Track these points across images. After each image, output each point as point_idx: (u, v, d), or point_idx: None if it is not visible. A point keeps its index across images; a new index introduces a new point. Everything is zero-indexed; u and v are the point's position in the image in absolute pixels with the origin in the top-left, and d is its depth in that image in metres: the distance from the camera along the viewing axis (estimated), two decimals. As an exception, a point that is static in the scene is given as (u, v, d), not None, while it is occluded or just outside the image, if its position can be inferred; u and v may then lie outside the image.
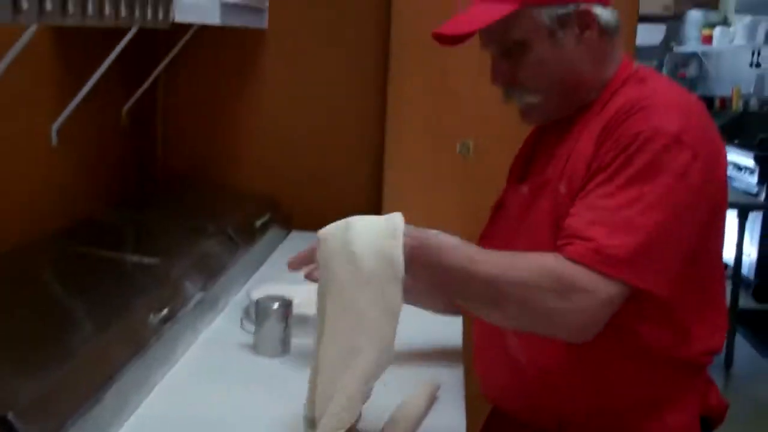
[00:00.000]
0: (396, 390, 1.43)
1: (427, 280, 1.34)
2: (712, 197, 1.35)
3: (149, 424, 1.39)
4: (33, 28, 1.65)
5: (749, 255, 5.81)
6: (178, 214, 2.33)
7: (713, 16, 8.33)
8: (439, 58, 2.62)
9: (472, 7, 1.44)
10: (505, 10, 1.36)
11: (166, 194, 2.70)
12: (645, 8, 8.83)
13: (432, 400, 1.50)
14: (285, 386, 1.52)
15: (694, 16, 8.50)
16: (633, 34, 2.81)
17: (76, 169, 2.32)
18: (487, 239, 1.57)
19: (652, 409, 1.41)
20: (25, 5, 1.15)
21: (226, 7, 2.14)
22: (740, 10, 7.13)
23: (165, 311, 1.60)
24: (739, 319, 5.18)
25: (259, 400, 1.49)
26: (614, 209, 1.26)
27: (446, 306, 1.70)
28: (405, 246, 1.25)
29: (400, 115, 2.68)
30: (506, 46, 1.42)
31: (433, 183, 2.65)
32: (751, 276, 5.86)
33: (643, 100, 1.34)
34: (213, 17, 2.06)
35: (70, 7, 1.29)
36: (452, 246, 1.28)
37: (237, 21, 2.35)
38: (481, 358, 1.61)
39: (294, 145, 2.87)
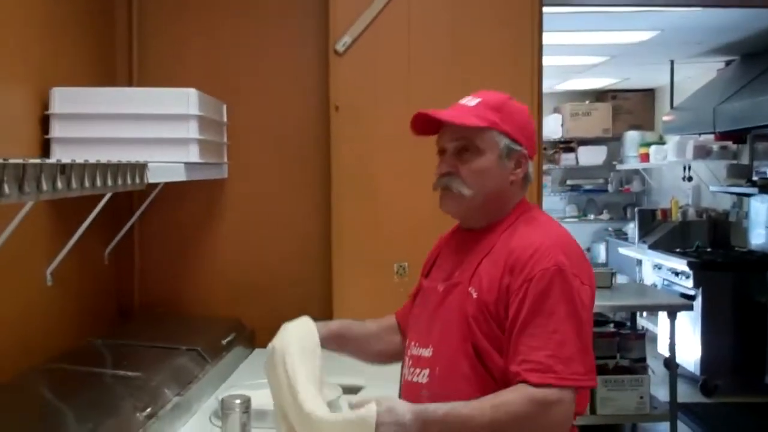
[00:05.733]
0: None
1: None
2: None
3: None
4: (32, 202, 2.07)
5: (695, 353, 6.25)
6: (156, 338, 2.73)
7: (649, 136, 9.00)
8: (372, 195, 3.15)
9: (451, 110, 1.87)
10: (480, 123, 1.82)
11: (143, 323, 3.12)
12: (587, 132, 9.51)
13: None
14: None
15: (632, 136, 9.16)
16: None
17: (66, 305, 2.74)
18: (412, 326, 1.94)
19: None
20: (27, 189, 1.57)
21: (190, 166, 2.61)
22: (669, 130, 7.76)
23: (148, 410, 2.00)
24: (687, 412, 5.57)
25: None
26: (549, 335, 1.66)
27: None
28: None
29: (343, 244, 3.17)
30: (464, 147, 1.84)
31: (375, 297, 3.09)
32: (698, 372, 6.26)
33: (539, 243, 1.77)
34: (179, 176, 2.53)
35: (60, 185, 1.71)
36: (441, 415, 1.61)
37: (200, 176, 2.82)
38: None
39: (254, 273, 3.31)
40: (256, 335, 3.15)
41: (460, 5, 3.23)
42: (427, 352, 1.84)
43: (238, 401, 2.10)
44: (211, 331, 2.90)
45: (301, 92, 3.33)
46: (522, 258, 1.74)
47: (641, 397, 4.83)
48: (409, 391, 1.87)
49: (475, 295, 1.77)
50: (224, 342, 2.82)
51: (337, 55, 3.17)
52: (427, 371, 1.83)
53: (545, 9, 3.36)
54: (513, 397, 1.63)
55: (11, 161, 1.49)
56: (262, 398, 2.21)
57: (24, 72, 2.53)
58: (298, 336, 1.83)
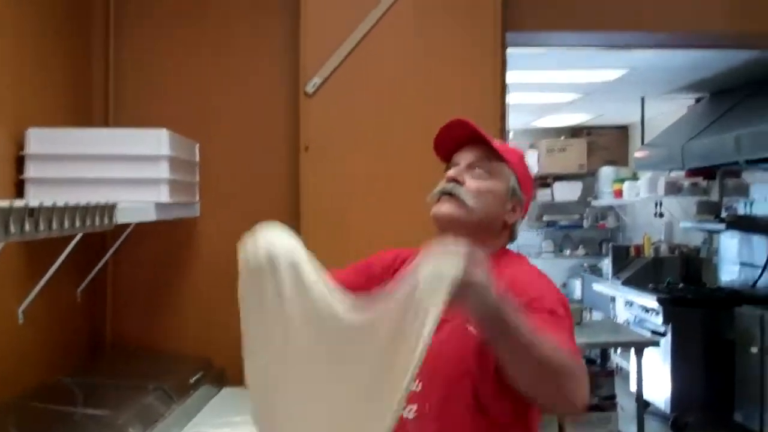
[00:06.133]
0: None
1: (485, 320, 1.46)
2: None
3: None
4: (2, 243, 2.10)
5: (665, 390, 6.30)
6: (124, 376, 2.78)
7: (623, 171, 9.13)
8: (343, 233, 3.21)
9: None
10: (504, 153, 1.85)
11: (114, 360, 3.15)
12: (562, 168, 9.62)
13: None
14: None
15: (607, 172, 9.29)
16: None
17: (38, 343, 2.77)
18: None
19: None
20: None
21: (160, 206, 2.66)
22: (642, 167, 7.88)
23: (111, 449, 2.04)
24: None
25: None
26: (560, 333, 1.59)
27: None
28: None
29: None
30: (478, 166, 1.85)
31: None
32: (668, 410, 6.32)
33: (530, 277, 1.79)
34: (149, 216, 2.58)
35: (28, 227, 1.76)
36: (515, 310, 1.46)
37: (171, 215, 2.87)
38: None
39: (224, 311, 3.32)
40: (225, 374, 3.18)
41: (428, 46, 3.32)
42: (414, 387, 1.65)
43: (202, 439, 2.15)
44: (180, 370, 2.94)
45: (271, 131, 3.41)
46: (518, 290, 1.67)
47: (610, 434, 4.89)
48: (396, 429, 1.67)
49: (475, 332, 1.64)
50: (192, 380, 2.86)
51: (307, 96, 3.24)
52: (414, 407, 1.73)
53: (509, 50, 3.46)
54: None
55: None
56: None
57: (3, 112, 2.58)
58: (292, 245, 1.56)
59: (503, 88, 3.42)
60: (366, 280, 1.88)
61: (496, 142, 1.89)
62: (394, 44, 3.31)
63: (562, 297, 1.77)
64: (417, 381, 1.64)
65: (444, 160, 1.93)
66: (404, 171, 3.23)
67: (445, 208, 1.83)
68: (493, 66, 3.32)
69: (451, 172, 1.86)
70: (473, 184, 1.84)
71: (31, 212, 1.77)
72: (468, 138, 1.89)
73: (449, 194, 1.83)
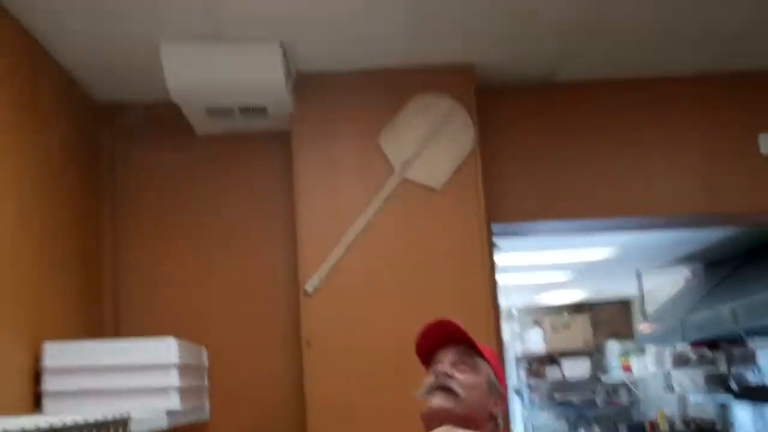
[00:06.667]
0: None
1: None
2: None
3: None
4: None
5: None
6: None
7: (629, 345, 9.19)
8: (349, 425, 3.28)
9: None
10: (483, 350, 1.99)
11: None
12: (569, 344, 9.67)
13: None
14: None
15: (613, 346, 9.35)
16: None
17: None
18: None
19: None
20: None
21: (171, 414, 2.76)
22: (646, 341, 7.95)
23: None
24: None
25: None
26: None
27: None
28: None
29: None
30: (462, 362, 1.98)
31: None
32: None
33: None
34: (161, 424, 2.68)
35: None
36: None
37: (182, 421, 2.94)
38: None
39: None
40: None
41: (416, 237, 3.46)
42: None
43: None
44: None
45: (274, 328, 3.55)
46: None
47: None
48: None
49: None
50: None
51: (307, 296, 3.40)
52: None
53: (496, 239, 3.66)
54: None
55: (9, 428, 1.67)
56: None
57: (17, 326, 2.74)
58: None
59: (492, 272, 3.58)
60: None
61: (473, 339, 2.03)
62: (387, 238, 3.47)
63: None
64: None
65: (423, 361, 2.07)
66: (405, 362, 3.33)
67: (440, 400, 1.94)
68: (480, 251, 3.47)
69: (442, 368, 1.98)
70: (462, 378, 1.96)
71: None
72: (448, 337, 2.03)
73: (442, 388, 1.95)
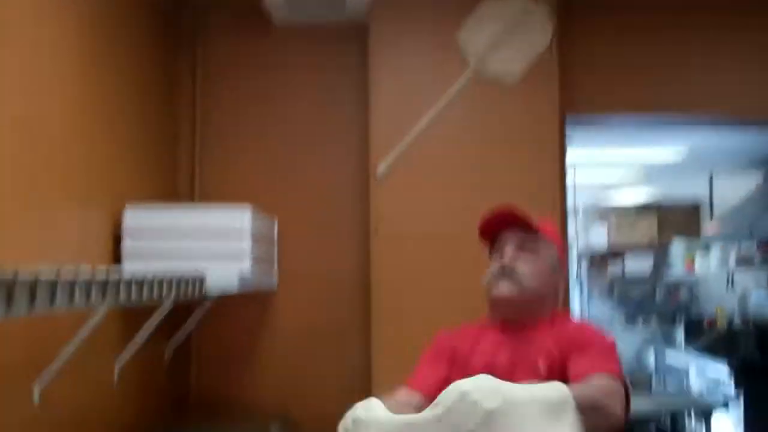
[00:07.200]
0: None
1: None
2: None
3: None
4: (103, 311, 2.35)
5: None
6: (210, 428, 3.01)
7: (694, 245, 9.12)
8: (411, 315, 3.39)
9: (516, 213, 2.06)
10: (546, 233, 2.09)
11: (198, 416, 3.41)
12: (633, 241, 9.62)
13: None
14: None
15: (677, 245, 9.30)
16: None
17: (130, 399, 3.04)
18: None
19: None
20: (108, 296, 1.89)
21: (243, 279, 2.92)
22: (712, 240, 7.92)
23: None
24: None
25: None
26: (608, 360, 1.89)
27: None
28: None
29: (383, 361, 3.40)
30: (526, 248, 2.06)
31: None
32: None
33: (578, 327, 2.08)
34: (233, 287, 2.84)
35: (133, 295, 2.02)
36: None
37: (252, 287, 3.13)
38: None
39: (301, 375, 3.59)
40: (301, 426, 3.40)
41: (487, 128, 3.55)
42: None
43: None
44: (261, 422, 3.17)
45: (343, 211, 3.71)
46: (577, 335, 1.99)
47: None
48: None
49: (543, 368, 1.93)
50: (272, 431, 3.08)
51: (377, 181, 3.49)
52: None
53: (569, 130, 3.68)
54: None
55: (86, 277, 1.82)
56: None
57: (102, 193, 2.90)
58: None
59: (563, 166, 3.61)
60: (447, 367, 2.03)
61: (538, 221, 2.10)
62: (459, 128, 3.54)
63: (605, 335, 2.02)
64: None
65: (487, 244, 2.14)
66: (469, 251, 3.42)
67: (504, 289, 2.03)
68: (552, 144, 3.52)
69: (506, 257, 2.05)
70: (526, 266, 2.04)
71: (130, 282, 2.03)
72: (511, 221, 2.10)
73: (507, 275, 2.03)
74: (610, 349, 1.96)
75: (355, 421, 1.61)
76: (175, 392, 3.54)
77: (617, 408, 1.77)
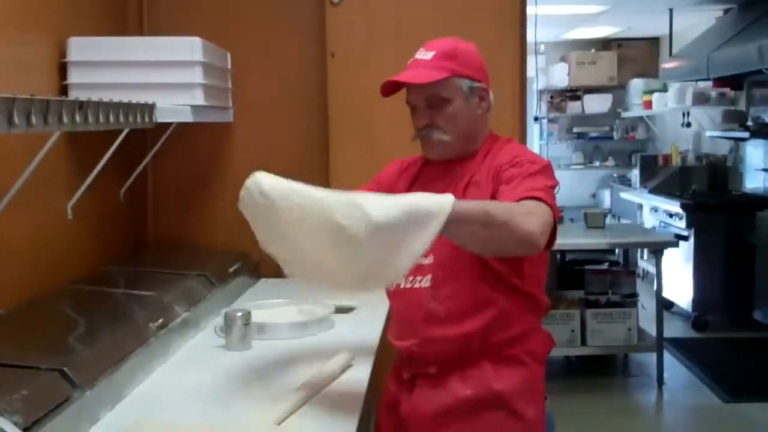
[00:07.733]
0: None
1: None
2: None
3: (152, 391, 2.06)
4: (56, 135, 2.30)
5: (688, 292, 6.52)
6: (167, 266, 3.01)
7: (653, 83, 9.15)
8: (369, 139, 3.37)
9: (411, 69, 2.08)
10: (441, 75, 2.02)
11: (156, 254, 3.40)
12: (593, 80, 9.67)
13: (346, 365, 2.15)
14: (249, 370, 2.19)
15: (636, 84, 9.32)
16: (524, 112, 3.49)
17: (85, 237, 3.01)
18: None
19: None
20: (50, 121, 1.82)
21: (196, 109, 2.85)
22: (669, 77, 7.92)
23: (159, 321, 2.28)
24: (678, 346, 5.86)
25: (230, 380, 2.13)
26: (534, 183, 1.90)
27: None
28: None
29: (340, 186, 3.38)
30: (432, 100, 2.05)
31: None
32: (691, 310, 6.55)
33: (516, 147, 2.11)
34: (186, 117, 2.77)
35: (78, 119, 1.95)
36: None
37: (206, 118, 3.06)
38: (400, 319, 2.13)
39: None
40: (260, 266, 3.41)
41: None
42: (427, 260, 1.99)
43: (239, 314, 2.38)
44: (219, 261, 3.17)
45: (299, 40, 3.56)
46: (511, 160, 2.00)
47: (629, 330, 5.11)
48: (409, 297, 2.05)
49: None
50: (231, 270, 3.09)
51: (333, 5, 3.38)
52: (429, 276, 2.01)
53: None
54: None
55: (37, 97, 1.75)
56: (262, 314, 2.51)
57: (43, 22, 2.76)
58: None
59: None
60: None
61: (430, 70, 2.04)
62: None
63: (541, 157, 2.08)
64: (428, 255, 1.93)
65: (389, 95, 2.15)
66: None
67: (431, 151, 2.12)
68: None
69: (419, 120, 2.08)
70: (439, 119, 2.06)
71: (81, 106, 1.96)
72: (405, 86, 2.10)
73: (426, 137, 2.08)
74: (539, 171, 1.96)
75: (254, 179, 1.84)
76: (132, 232, 3.51)
77: (526, 225, 1.75)
